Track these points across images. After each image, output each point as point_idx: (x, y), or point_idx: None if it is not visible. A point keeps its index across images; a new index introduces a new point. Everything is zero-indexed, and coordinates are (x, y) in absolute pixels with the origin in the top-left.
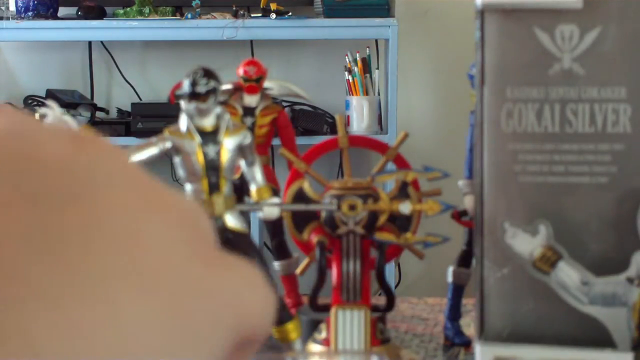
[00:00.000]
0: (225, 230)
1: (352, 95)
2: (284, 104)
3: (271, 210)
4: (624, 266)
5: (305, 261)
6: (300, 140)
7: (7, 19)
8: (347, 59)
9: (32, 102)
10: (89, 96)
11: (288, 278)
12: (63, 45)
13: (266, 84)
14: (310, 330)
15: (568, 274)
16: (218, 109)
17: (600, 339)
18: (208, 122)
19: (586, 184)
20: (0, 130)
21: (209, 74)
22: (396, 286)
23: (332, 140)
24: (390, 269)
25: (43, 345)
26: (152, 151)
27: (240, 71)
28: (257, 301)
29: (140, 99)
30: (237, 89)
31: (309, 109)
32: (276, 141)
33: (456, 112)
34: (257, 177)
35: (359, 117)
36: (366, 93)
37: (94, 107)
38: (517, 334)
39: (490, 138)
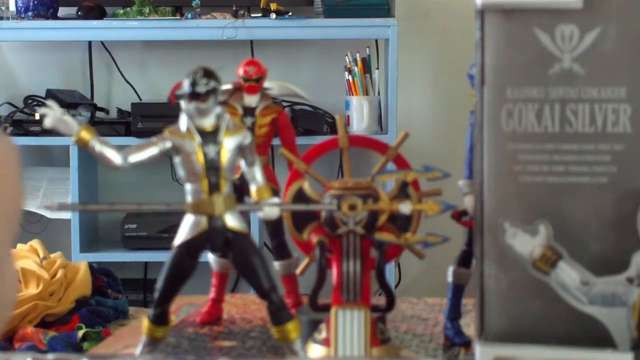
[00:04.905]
0: (225, 230)
1: (352, 95)
2: (284, 104)
3: (271, 210)
4: (624, 266)
5: (305, 261)
6: (300, 140)
7: (7, 19)
8: (347, 59)
9: (32, 102)
10: (89, 96)
11: (288, 278)
12: (63, 45)
13: (266, 84)
14: (310, 330)
15: (568, 274)
16: (218, 109)
17: (600, 339)
18: (208, 122)
19: (586, 184)
20: None
21: (209, 74)
22: (396, 286)
23: (332, 140)
24: (390, 269)
25: None
26: (152, 151)
27: (240, 71)
28: None
29: (140, 99)
30: (237, 89)
31: (309, 109)
32: (276, 141)
33: (456, 112)
34: (257, 177)
35: (359, 117)
36: (366, 93)
37: (94, 107)
38: (517, 334)
39: (490, 138)
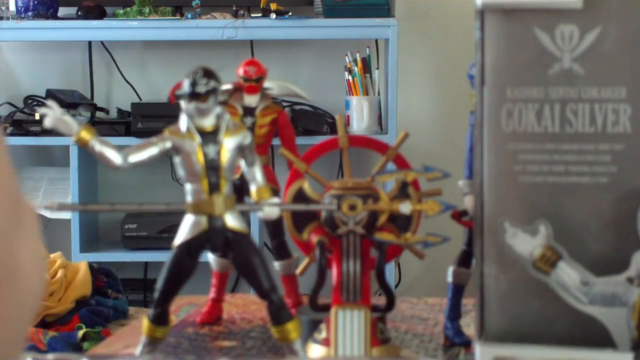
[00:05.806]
0: (225, 230)
1: (352, 95)
2: (284, 104)
3: (271, 210)
4: (624, 266)
5: (305, 261)
6: (300, 140)
7: (7, 19)
8: (347, 59)
9: (32, 102)
10: (89, 96)
11: (288, 278)
12: (63, 45)
13: (266, 84)
14: (310, 330)
15: (568, 274)
16: (218, 109)
17: (600, 339)
18: (208, 122)
19: (586, 184)
20: None
21: (209, 74)
22: (396, 286)
23: (332, 140)
24: (390, 269)
25: None
26: (152, 151)
27: (240, 71)
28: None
29: (140, 99)
30: (237, 89)
31: (309, 109)
32: (276, 141)
33: (456, 112)
34: (257, 177)
35: (359, 117)
36: (366, 93)
37: (94, 107)
38: (517, 334)
39: (490, 138)
